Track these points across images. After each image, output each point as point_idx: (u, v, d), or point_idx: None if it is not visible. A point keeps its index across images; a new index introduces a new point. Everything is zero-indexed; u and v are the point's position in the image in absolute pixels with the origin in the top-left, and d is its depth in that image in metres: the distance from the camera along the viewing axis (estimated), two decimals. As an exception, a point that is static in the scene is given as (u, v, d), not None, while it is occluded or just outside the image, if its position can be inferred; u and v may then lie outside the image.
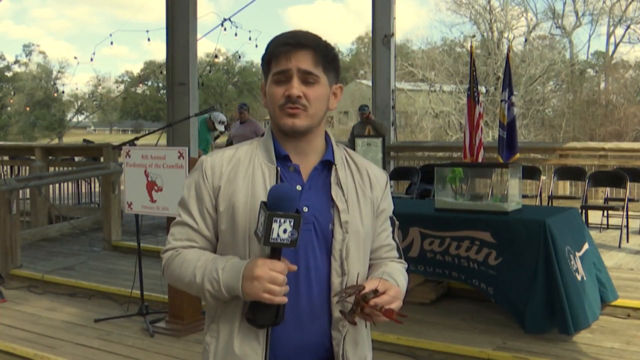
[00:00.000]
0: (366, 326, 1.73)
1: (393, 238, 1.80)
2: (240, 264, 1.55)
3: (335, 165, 1.68)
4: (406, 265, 1.81)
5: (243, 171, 1.64)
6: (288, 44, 1.60)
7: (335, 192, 1.65)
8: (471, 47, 9.77)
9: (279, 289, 1.48)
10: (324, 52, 1.63)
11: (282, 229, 1.44)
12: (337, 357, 1.64)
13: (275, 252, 1.50)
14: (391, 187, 6.84)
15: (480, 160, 7.73)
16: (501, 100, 7.98)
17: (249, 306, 1.55)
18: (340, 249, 1.62)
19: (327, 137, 1.73)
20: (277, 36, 1.66)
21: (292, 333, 1.60)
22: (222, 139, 11.33)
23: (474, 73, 8.08)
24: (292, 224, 1.45)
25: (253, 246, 1.58)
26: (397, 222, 1.82)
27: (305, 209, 1.60)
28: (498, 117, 8.43)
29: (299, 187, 1.64)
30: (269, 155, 1.66)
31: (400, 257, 1.81)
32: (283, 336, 1.60)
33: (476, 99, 7.98)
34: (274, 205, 1.46)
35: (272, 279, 1.48)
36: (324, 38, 1.67)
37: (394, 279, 1.66)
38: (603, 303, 4.67)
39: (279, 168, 1.64)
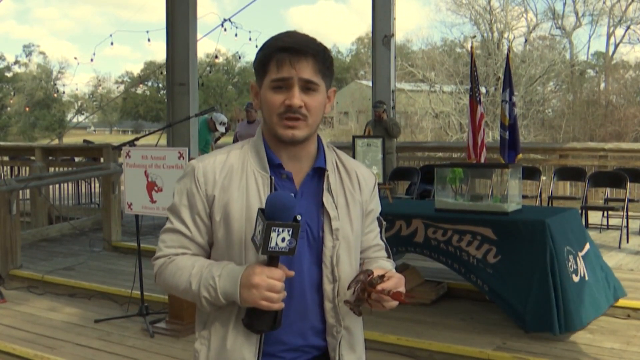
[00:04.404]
0: (361, 328, 1.74)
1: (381, 238, 1.81)
2: (237, 270, 1.53)
3: (327, 171, 1.66)
4: (394, 264, 1.81)
5: (237, 179, 1.61)
6: (289, 50, 1.55)
7: (326, 198, 1.64)
8: (472, 47, 9.75)
9: (276, 296, 1.48)
10: (323, 59, 1.59)
11: (280, 238, 1.43)
12: None
13: (273, 259, 1.49)
14: (391, 187, 6.78)
15: (483, 160, 7.74)
16: (502, 101, 8.00)
17: (246, 312, 1.54)
18: (331, 256, 1.62)
19: (318, 141, 1.70)
20: (274, 38, 1.60)
21: (287, 337, 1.61)
22: (224, 139, 11.31)
23: (475, 73, 8.08)
24: (290, 232, 1.44)
25: (249, 253, 1.57)
26: (384, 223, 1.83)
27: (299, 217, 1.56)
28: (499, 117, 8.44)
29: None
30: (261, 162, 1.63)
31: (389, 257, 1.81)
32: (277, 339, 1.60)
33: (478, 99, 7.99)
34: (272, 215, 1.44)
35: (270, 286, 1.47)
36: (319, 40, 1.63)
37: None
38: (615, 300, 4.71)
39: (272, 177, 1.61)
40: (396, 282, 1.55)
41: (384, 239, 1.81)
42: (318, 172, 1.67)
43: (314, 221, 1.62)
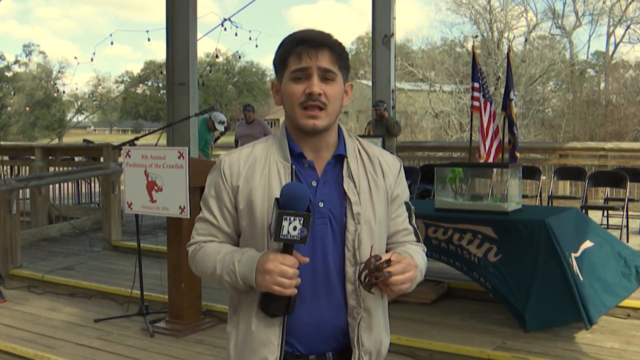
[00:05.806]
0: (383, 311, 1.79)
1: (410, 223, 1.84)
2: (255, 256, 1.63)
3: (347, 158, 1.73)
4: (425, 249, 1.84)
5: (260, 169, 1.71)
6: (306, 42, 1.64)
7: (347, 184, 1.70)
8: (473, 47, 9.72)
9: (288, 282, 1.56)
10: (339, 51, 1.67)
11: (292, 227, 1.51)
12: (352, 342, 1.71)
13: (287, 247, 1.57)
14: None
15: (494, 160, 7.73)
16: (510, 100, 8.04)
17: (261, 297, 1.64)
18: (353, 240, 1.68)
19: (339, 130, 1.77)
20: (292, 35, 1.69)
21: (311, 318, 1.68)
22: (224, 139, 11.30)
23: (480, 73, 8.10)
24: (301, 222, 1.51)
25: (271, 241, 1.64)
26: (412, 208, 1.86)
27: (321, 204, 1.68)
28: (500, 116, 8.45)
29: (314, 183, 1.70)
30: (283, 153, 1.71)
31: (418, 241, 1.85)
32: (302, 320, 1.68)
33: (488, 97, 8.00)
34: (286, 204, 1.52)
35: (283, 272, 1.55)
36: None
37: (409, 254, 1.70)
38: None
39: (293, 166, 1.69)
40: (403, 267, 1.59)
41: (413, 223, 1.85)
42: (339, 160, 1.74)
43: (337, 207, 1.69)
